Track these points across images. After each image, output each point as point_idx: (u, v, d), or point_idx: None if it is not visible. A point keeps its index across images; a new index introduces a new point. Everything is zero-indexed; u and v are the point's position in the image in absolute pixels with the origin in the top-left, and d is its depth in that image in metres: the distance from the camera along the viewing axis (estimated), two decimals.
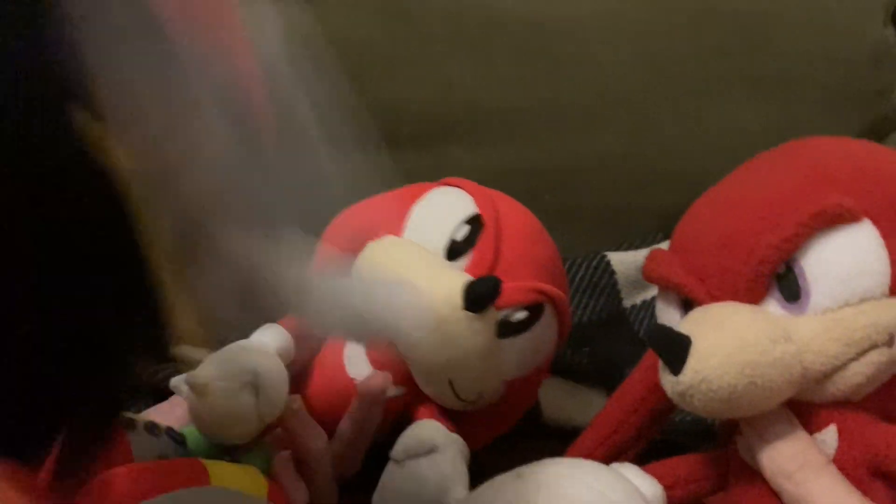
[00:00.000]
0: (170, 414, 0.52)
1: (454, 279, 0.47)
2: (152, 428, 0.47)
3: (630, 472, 0.43)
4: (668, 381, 0.40)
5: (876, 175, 0.42)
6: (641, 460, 0.46)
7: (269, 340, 0.50)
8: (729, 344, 0.39)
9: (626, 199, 0.77)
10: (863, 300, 0.40)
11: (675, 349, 0.39)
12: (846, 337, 0.39)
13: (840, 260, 0.40)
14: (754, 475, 0.43)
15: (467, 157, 0.77)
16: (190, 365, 0.66)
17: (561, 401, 0.61)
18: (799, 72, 0.78)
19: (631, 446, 0.51)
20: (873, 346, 0.39)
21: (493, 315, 0.48)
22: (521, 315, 0.50)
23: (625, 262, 0.71)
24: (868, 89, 0.79)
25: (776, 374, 0.39)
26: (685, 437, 0.55)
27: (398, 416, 0.52)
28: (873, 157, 0.44)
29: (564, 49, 0.78)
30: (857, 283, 0.40)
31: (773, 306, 0.41)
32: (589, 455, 0.51)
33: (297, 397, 0.49)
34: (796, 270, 0.40)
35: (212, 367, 0.47)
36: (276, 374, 0.47)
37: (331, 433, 0.51)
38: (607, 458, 0.50)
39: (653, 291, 0.69)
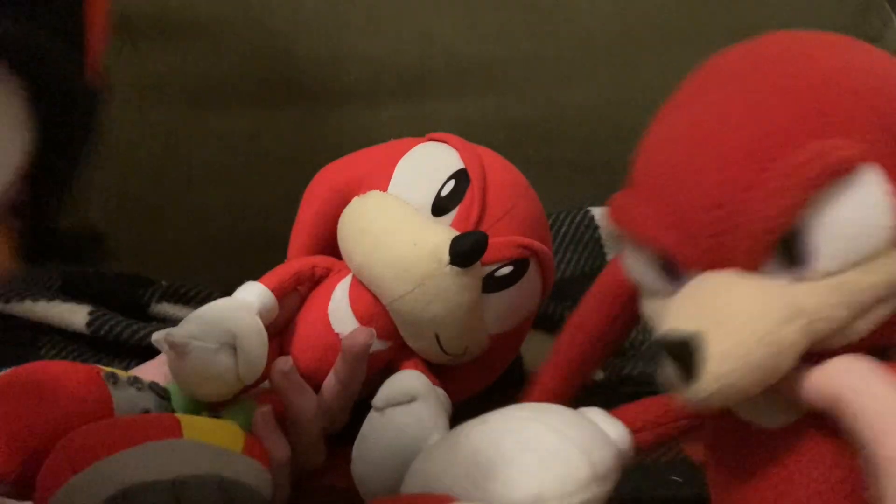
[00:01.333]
0: (157, 371, 0.51)
1: (440, 234, 0.47)
2: (135, 382, 0.47)
3: (597, 416, 0.42)
4: (686, 390, 0.35)
5: (883, 111, 0.36)
6: (609, 405, 0.45)
7: (252, 299, 0.50)
8: (747, 341, 0.35)
9: (609, 152, 0.77)
10: (867, 258, 0.35)
11: (687, 358, 0.35)
12: (853, 300, 0.36)
13: (845, 219, 0.35)
14: (735, 420, 0.40)
15: (447, 110, 0.77)
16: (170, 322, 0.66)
17: (543, 354, 0.61)
18: (783, 19, 0.77)
19: (587, 373, 0.50)
20: (879, 302, 0.36)
21: (479, 270, 0.48)
22: (506, 270, 0.50)
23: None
24: (854, 32, 0.78)
25: (790, 355, 0.36)
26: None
27: (383, 370, 0.52)
28: (878, 79, 0.37)
29: (542, 0, 0.77)
30: (863, 241, 0.35)
31: (774, 272, 0.36)
32: (547, 389, 0.50)
33: (288, 359, 0.49)
34: (801, 233, 0.35)
35: (191, 326, 0.46)
36: (256, 336, 0.47)
37: (316, 388, 0.51)
38: (566, 390, 0.50)
39: None
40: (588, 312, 0.50)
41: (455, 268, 0.46)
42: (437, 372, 0.52)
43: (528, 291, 0.52)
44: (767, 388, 0.37)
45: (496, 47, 0.77)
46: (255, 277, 0.53)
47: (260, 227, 0.76)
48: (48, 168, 0.30)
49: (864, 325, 0.37)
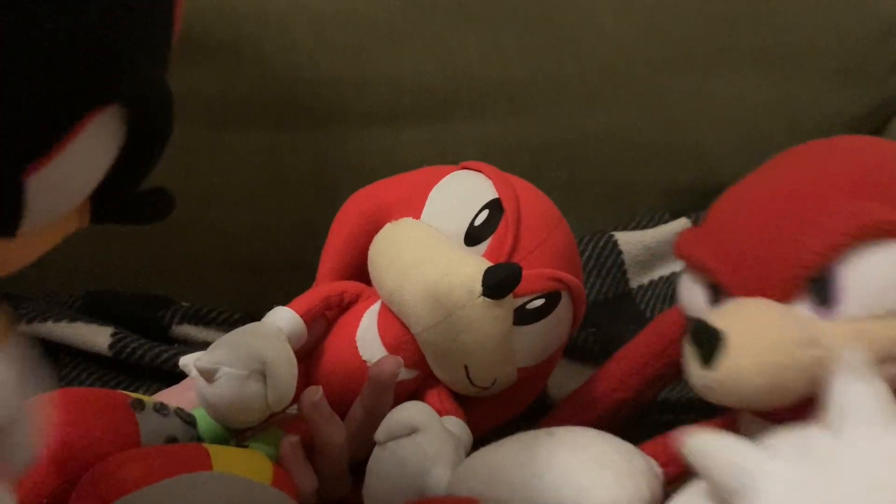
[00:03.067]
0: (182, 396, 0.51)
1: (473, 265, 0.47)
2: (161, 408, 0.47)
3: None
4: (697, 373, 0.41)
5: None
6: (634, 440, 0.47)
7: (281, 324, 0.49)
8: (761, 345, 0.40)
9: (632, 176, 0.77)
10: (889, 313, 0.40)
11: (711, 343, 0.40)
12: (870, 350, 0.39)
13: (878, 273, 0.40)
14: None
15: (469, 132, 0.76)
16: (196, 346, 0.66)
17: (566, 381, 0.61)
18: (807, 45, 0.77)
19: (627, 408, 0.53)
20: (891, 359, 0.40)
21: (511, 302, 0.47)
22: (538, 303, 0.50)
23: (632, 241, 0.70)
24: (878, 64, 0.78)
25: (801, 377, 0.40)
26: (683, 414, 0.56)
27: (409, 399, 0.51)
28: None
29: (569, 21, 0.76)
30: (890, 297, 0.40)
31: (803, 307, 0.41)
32: (585, 409, 0.54)
33: (318, 389, 0.48)
34: (833, 277, 0.41)
35: (221, 352, 0.46)
36: (286, 364, 0.47)
37: (342, 414, 0.50)
38: (604, 415, 0.53)
39: (660, 272, 0.69)
40: (637, 346, 0.54)
41: (487, 299, 0.46)
42: (463, 403, 0.51)
43: (558, 324, 0.51)
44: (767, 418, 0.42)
45: (519, 70, 0.76)
46: (274, 298, 0.53)
47: (280, 248, 0.75)
48: (125, 172, 0.31)
49: None
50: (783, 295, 0.41)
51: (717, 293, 0.44)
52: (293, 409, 0.50)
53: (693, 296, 0.45)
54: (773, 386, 0.40)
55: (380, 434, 0.46)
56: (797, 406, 0.42)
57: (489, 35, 0.76)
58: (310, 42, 0.74)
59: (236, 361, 0.45)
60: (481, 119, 0.76)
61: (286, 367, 0.46)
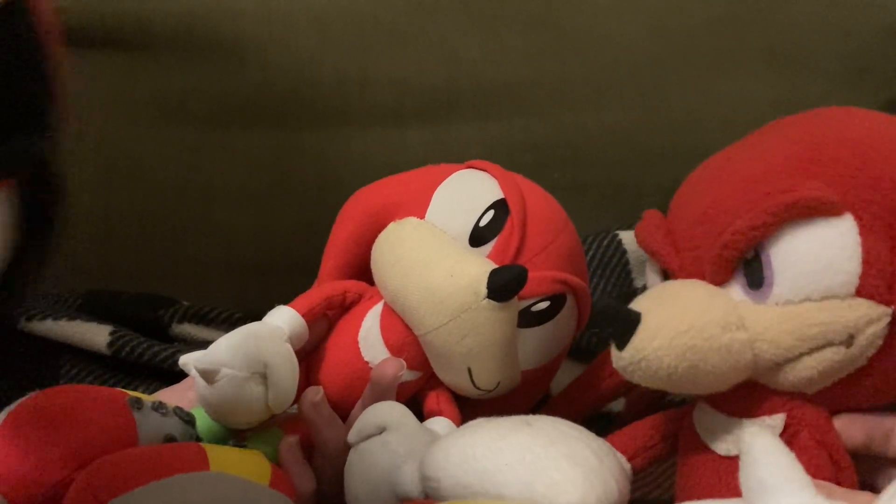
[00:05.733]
0: (182, 395, 0.51)
1: (478, 267, 0.46)
2: (160, 407, 0.46)
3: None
4: (614, 355, 0.40)
5: (873, 164, 0.40)
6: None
7: (282, 324, 0.49)
8: (675, 326, 0.38)
9: (636, 175, 0.76)
10: (825, 297, 0.39)
11: (622, 325, 0.39)
12: (800, 331, 0.39)
13: (809, 253, 0.39)
14: (702, 445, 0.44)
15: (473, 132, 0.76)
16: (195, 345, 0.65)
17: (568, 382, 0.61)
18: (813, 45, 0.76)
19: (624, 393, 0.54)
20: (829, 344, 0.39)
21: (516, 305, 0.47)
22: (543, 305, 0.49)
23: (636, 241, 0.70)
24: (885, 64, 0.78)
25: (720, 359, 0.39)
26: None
27: (410, 401, 0.51)
28: (879, 141, 0.41)
29: (572, 21, 0.76)
30: (823, 279, 0.39)
31: (736, 290, 0.41)
32: (584, 394, 0.55)
33: (319, 389, 0.48)
34: (763, 258, 0.40)
35: (221, 353, 0.46)
36: (287, 366, 0.46)
37: (343, 415, 0.50)
38: (602, 399, 0.55)
39: None
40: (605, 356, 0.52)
41: (492, 302, 0.46)
42: (466, 406, 0.51)
43: (563, 327, 0.51)
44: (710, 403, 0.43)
45: (523, 70, 0.76)
46: (276, 298, 0.52)
47: (282, 247, 0.75)
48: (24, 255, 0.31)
49: (811, 364, 0.39)
50: (716, 276, 0.41)
51: (668, 278, 0.43)
52: (293, 409, 0.50)
53: (652, 281, 0.45)
54: (690, 368, 0.39)
55: (351, 435, 0.46)
56: (744, 393, 0.41)
57: (493, 35, 0.76)
58: (313, 42, 0.74)
59: (237, 363, 0.45)
60: (485, 119, 0.76)
61: (287, 369, 0.46)
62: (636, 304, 0.40)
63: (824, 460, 0.41)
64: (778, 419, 0.41)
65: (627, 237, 0.70)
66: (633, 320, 0.39)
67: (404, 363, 0.48)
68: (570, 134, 0.76)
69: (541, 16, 0.76)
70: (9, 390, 0.47)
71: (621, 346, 0.39)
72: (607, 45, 0.76)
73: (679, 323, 0.39)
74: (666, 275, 0.44)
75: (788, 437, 0.41)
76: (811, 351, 0.39)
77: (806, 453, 0.41)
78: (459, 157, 0.56)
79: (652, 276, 0.45)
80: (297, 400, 0.48)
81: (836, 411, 0.42)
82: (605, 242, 0.70)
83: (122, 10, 0.71)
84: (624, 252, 0.70)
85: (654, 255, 0.43)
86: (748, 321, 0.39)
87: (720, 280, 0.41)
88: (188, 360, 0.47)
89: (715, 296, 0.40)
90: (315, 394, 0.48)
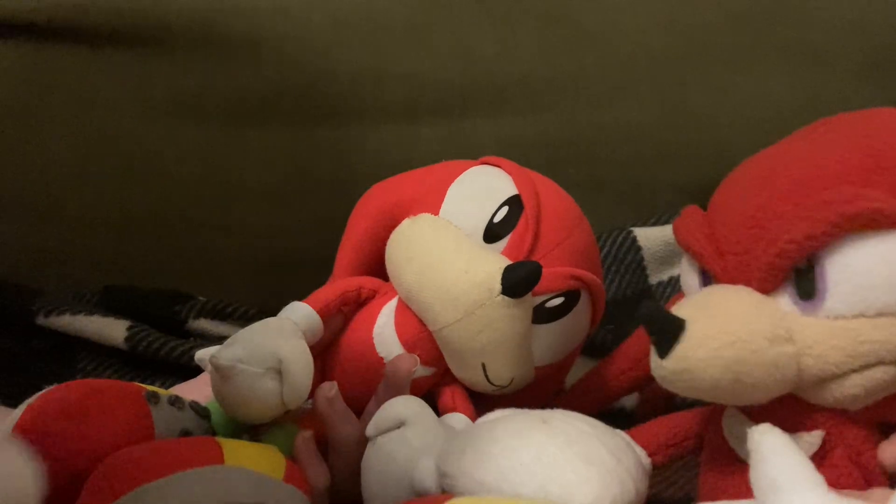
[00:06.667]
0: (198, 390, 0.51)
1: (492, 263, 0.46)
2: (176, 401, 0.47)
3: (630, 441, 0.44)
4: (654, 363, 0.38)
5: None
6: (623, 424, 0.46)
7: (297, 320, 0.49)
8: (721, 337, 0.37)
9: (651, 173, 0.76)
10: (880, 314, 0.36)
11: (666, 332, 0.37)
12: (851, 348, 0.37)
13: (868, 268, 0.36)
14: (727, 447, 0.42)
15: (488, 128, 0.76)
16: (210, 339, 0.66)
17: None
18: (832, 40, 0.76)
19: (641, 388, 0.53)
20: (879, 363, 0.37)
21: (530, 301, 0.47)
22: (557, 301, 0.49)
23: (651, 237, 0.70)
24: None
25: (765, 373, 0.37)
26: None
27: (424, 397, 0.51)
28: None
29: (588, 17, 0.76)
30: (881, 295, 0.36)
31: (785, 299, 0.38)
32: (599, 388, 0.54)
33: (334, 384, 0.48)
34: (817, 269, 0.37)
35: (237, 348, 0.46)
36: (302, 362, 0.46)
37: (358, 410, 0.50)
38: (618, 393, 0.54)
39: (679, 268, 0.68)
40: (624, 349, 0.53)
41: (506, 298, 0.46)
42: (480, 401, 0.51)
43: (577, 323, 0.51)
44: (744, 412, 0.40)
45: (538, 66, 0.76)
46: (292, 294, 0.52)
47: (297, 243, 0.75)
48: None
49: (859, 382, 0.37)
50: (764, 284, 0.38)
51: (708, 278, 0.41)
52: (308, 404, 0.50)
53: (688, 279, 0.43)
54: (734, 382, 0.37)
55: (369, 429, 0.46)
56: (782, 407, 0.39)
57: (508, 31, 0.76)
58: (329, 38, 0.74)
59: (252, 359, 0.45)
60: (500, 115, 0.76)
61: (302, 365, 0.46)
62: (679, 311, 0.38)
63: (856, 479, 0.39)
64: (816, 436, 0.40)
65: (642, 234, 0.70)
66: (678, 328, 0.37)
67: (418, 359, 0.48)
68: (586, 130, 0.76)
69: (556, 11, 0.76)
70: (27, 384, 0.48)
71: (663, 354, 0.37)
72: (624, 41, 0.76)
73: (725, 334, 0.37)
74: (704, 275, 0.42)
75: (822, 452, 0.40)
76: (860, 368, 0.37)
77: (837, 471, 0.39)
78: (474, 153, 0.56)
79: (689, 276, 0.43)
80: (311, 395, 0.49)
81: (875, 425, 0.40)
82: (620, 239, 0.70)
83: (140, 7, 0.72)
84: (639, 249, 0.69)
85: (696, 255, 0.41)
86: (796, 334, 0.37)
87: (768, 288, 0.38)
88: (204, 356, 0.47)
89: (763, 306, 0.38)
90: (329, 389, 0.48)
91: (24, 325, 0.67)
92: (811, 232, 0.37)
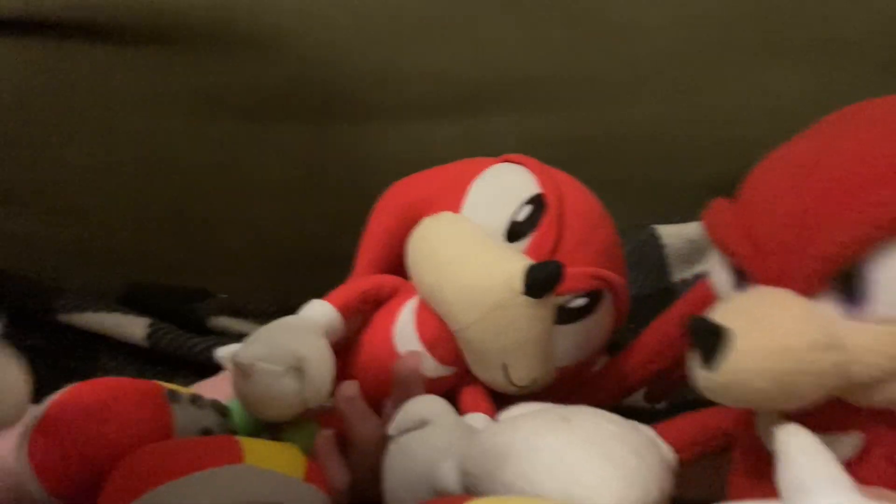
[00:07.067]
0: (218, 388, 0.51)
1: (514, 262, 0.46)
2: (196, 400, 0.47)
3: (655, 438, 0.43)
4: (699, 373, 0.37)
5: None
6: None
7: (318, 318, 0.49)
8: (771, 348, 0.36)
9: (675, 170, 0.75)
10: None
11: (714, 343, 0.36)
12: None
13: None
14: (759, 444, 0.41)
15: (506, 126, 0.76)
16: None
17: None
18: (849, 36, 0.74)
19: (663, 379, 0.52)
20: None
21: (553, 301, 0.47)
22: (580, 301, 0.49)
23: (674, 234, 0.69)
24: None
25: (814, 381, 0.36)
26: None
27: (445, 397, 0.50)
28: None
29: (610, 13, 0.75)
30: None
31: (828, 302, 0.37)
32: (620, 381, 0.53)
33: (355, 384, 0.48)
34: (864, 272, 0.36)
35: (258, 347, 0.46)
36: (323, 361, 0.46)
37: (378, 410, 0.50)
38: (639, 386, 0.53)
39: (705, 265, 0.67)
40: (673, 315, 0.51)
41: (528, 298, 0.45)
42: (501, 402, 0.50)
43: (600, 324, 0.50)
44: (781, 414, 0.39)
45: (557, 63, 0.75)
46: (311, 291, 0.52)
47: (317, 241, 0.75)
48: None
49: None
50: (807, 288, 0.37)
51: (743, 277, 0.40)
52: (329, 402, 0.50)
53: (719, 277, 0.41)
54: (781, 391, 0.36)
55: (392, 428, 0.46)
56: (821, 408, 0.38)
57: (528, 29, 0.75)
58: (349, 35, 0.74)
59: (273, 357, 0.45)
60: (521, 113, 0.75)
61: (323, 364, 0.46)
62: (724, 318, 0.37)
63: (894, 480, 0.38)
64: (856, 437, 0.39)
65: (664, 231, 0.69)
66: (725, 340, 0.36)
67: (422, 357, 0.48)
68: (608, 128, 0.75)
69: (578, 8, 0.75)
70: (49, 382, 0.48)
71: (710, 365, 0.36)
72: (645, 37, 0.75)
73: (775, 345, 0.36)
74: (738, 273, 0.40)
75: (860, 453, 0.39)
76: None
77: (876, 471, 0.38)
78: (494, 150, 0.56)
79: (720, 274, 0.41)
80: (332, 393, 0.48)
81: None
82: (642, 237, 0.69)
83: (160, 4, 0.72)
84: (661, 246, 0.69)
85: (732, 254, 0.39)
86: (845, 340, 0.36)
87: (812, 291, 0.37)
88: (224, 354, 0.48)
89: (811, 313, 0.37)
90: (350, 388, 0.48)
91: (45, 322, 0.67)
92: (861, 235, 0.35)
